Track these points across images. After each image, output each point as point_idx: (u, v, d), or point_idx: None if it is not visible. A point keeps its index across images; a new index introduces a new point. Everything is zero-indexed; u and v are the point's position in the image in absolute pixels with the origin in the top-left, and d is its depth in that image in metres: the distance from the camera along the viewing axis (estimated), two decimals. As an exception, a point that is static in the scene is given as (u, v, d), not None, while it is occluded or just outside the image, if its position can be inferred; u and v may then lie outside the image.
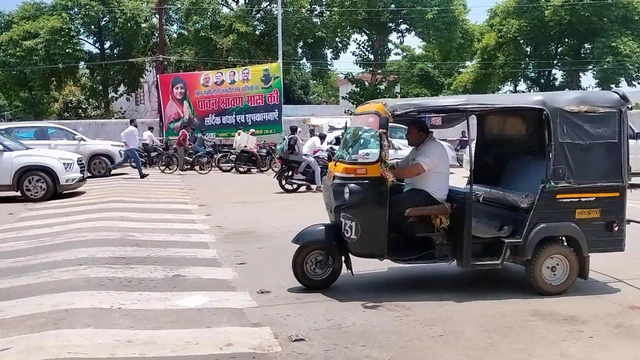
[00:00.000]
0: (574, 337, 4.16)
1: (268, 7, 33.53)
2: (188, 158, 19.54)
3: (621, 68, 32.03)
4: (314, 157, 14.30)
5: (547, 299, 5.03)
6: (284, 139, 14.31)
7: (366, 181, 4.95)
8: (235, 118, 23.81)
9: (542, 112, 5.09)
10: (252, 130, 21.21)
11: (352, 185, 4.93)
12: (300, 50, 35.54)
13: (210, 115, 24.06)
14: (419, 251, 5.18)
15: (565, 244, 5.24)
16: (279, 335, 4.15)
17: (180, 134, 19.96)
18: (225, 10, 33.19)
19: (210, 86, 24.21)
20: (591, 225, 5.13)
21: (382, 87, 35.45)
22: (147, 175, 16.82)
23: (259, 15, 33.66)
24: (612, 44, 31.39)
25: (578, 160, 5.09)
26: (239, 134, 19.94)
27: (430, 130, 5.74)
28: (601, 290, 5.34)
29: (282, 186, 13.88)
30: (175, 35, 35.51)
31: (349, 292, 5.28)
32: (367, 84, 35.69)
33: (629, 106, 5.24)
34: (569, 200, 5.09)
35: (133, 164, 17.51)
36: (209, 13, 31.64)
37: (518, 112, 5.59)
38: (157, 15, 29.83)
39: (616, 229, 5.18)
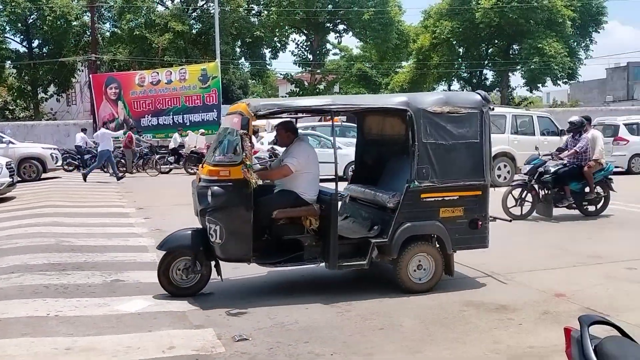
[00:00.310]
0: (504, 325, 4.41)
1: (205, 5, 33.11)
2: (136, 161, 19.14)
3: (547, 68, 33.69)
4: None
5: (480, 290, 5.29)
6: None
7: (230, 183, 4.79)
8: (173, 119, 23.37)
9: (406, 113, 5.14)
10: (202, 130, 20.93)
11: (215, 187, 4.77)
12: (238, 50, 35.29)
13: (146, 116, 23.48)
14: (289, 254, 5.07)
15: (431, 242, 5.27)
16: (222, 336, 4.16)
17: (126, 136, 19.41)
18: (160, 8, 32.53)
19: (146, 86, 23.63)
20: (455, 223, 5.21)
21: (322, 87, 35.77)
22: (123, 177, 16.27)
23: (195, 14, 33.16)
24: (538, 45, 32.96)
25: (441, 160, 5.17)
26: (181, 135, 19.64)
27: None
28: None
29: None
30: (108, 33, 34.37)
31: (291, 291, 5.36)
32: (306, 83, 35.92)
33: (491, 107, 5.45)
34: (433, 199, 5.16)
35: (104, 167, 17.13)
36: (143, 11, 30.91)
37: (394, 112, 5.51)
38: (89, 13, 28.82)
39: (480, 226, 5.28)
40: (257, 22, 33.97)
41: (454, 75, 41.65)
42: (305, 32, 36.04)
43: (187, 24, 30.46)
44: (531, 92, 40.37)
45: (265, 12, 34.06)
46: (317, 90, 34.43)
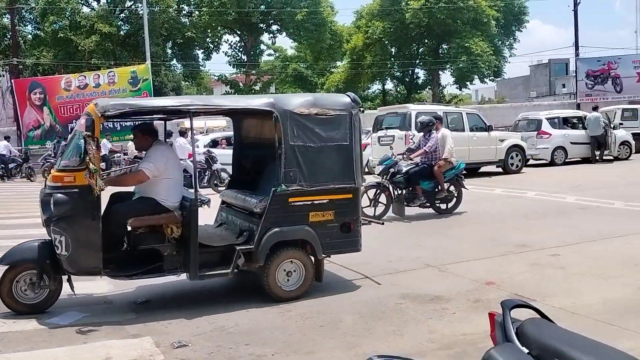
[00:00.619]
0: (439, 315, 4.57)
1: (132, 6, 32.23)
2: None
3: (474, 66, 35.01)
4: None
5: (416, 282, 5.44)
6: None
7: (75, 190, 4.48)
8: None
9: (272, 114, 4.97)
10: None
11: (58, 195, 4.45)
12: (169, 51, 34.61)
13: (74, 121, 22.45)
14: (149, 264, 4.80)
15: (300, 247, 5.09)
16: (161, 344, 4.09)
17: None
18: (85, 9, 31.42)
19: (72, 90, 22.76)
20: (326, 228, 5.06)
21: (257, 87, 35.62)
22: None
23: (123, 15, 32.23)
24: (466, 45, 34.21)
25: (310, 162, 5.00)
26: (110, 140, 18.99)
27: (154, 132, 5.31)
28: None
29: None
30: (30, 36, 32.85)
31: (232, 295, 5.34)
32: (241, 85, 35.67)
33: (361, 109, 5.42)
34: (301, 203, 4.99)
35: None
36: (67, 13, 29.72)
37: (262, 114, 5.30)
38: (9, 15, 27.40)
39: (351, 229, 5.18)
40: (188, 23, 33.44)
41: (388, 74, 42.54)
42: (239, 32, 35.80)
43: (114, 26, 29.59)
44: (460, 89, 41.85)
45: (197, 12, 33.58)
46: (253, 91, 34.29)
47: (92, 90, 22.78)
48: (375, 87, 47.11)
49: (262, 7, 33.54)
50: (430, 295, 5.04)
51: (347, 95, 5.47)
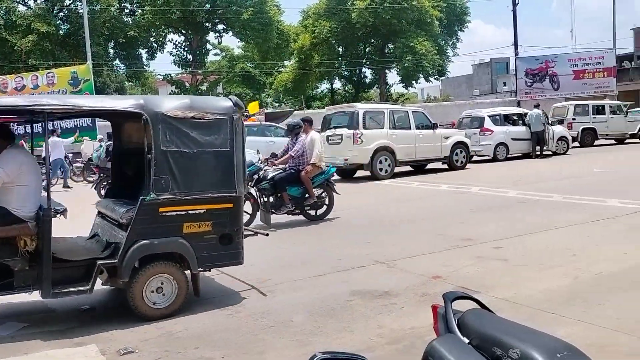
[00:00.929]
0: (388, 310, 4.64)
1: (72, 5, 31.18)
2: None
3: (419, 65, 35.75)
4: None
5: (366, 278, 5.51)
6: (101, 146, 13.53)
7: None
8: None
9: (141, 117, 4.57)
10: (100, 136, 19.73)
11: None
12: (112, 51, 33.67)
13: (11, 124, 21.65)
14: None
15: (173, 261, 4.70)
16: (107, 351, 3.99)
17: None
18: (21, 8, 30.14)
19: (9, 92, 21.77)
20: (202, 240, 4.71)
21: (204, 87, 35.13)
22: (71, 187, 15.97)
23: (62, 14, 31.12)
24: (411, 44, 34.89)
25: (184, 169, 4.64)
26: (83, 142, 18.63)
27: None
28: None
29: (100, 196, 13.11)
30: (-39, 35, 31.25)
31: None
32: (187, 84, 35.07)
33: (244, 113, 5.07)
34: (174, 213, 4.62)
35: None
36: (1, 11, 28.44)
37: (133, 116, 4.88)
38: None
39: (232, 241, 4.87)
40: (130, 22, 32.64)
41: (335, 73, 42.85)
42: (184, 32, 35.19)
43: (53, 25, 28.55)
44: (407, 88, 42.65)
45: (139, 11, 32.79)
46: (199, 91, 33.80)
47: (30, 91, 21.87)
48: (324, 86, 47.38)
49: (207, 5, 33.10)
50: (380, 291, 5.11)
51: (229, 98, 5.16)
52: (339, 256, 6.44)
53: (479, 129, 18.13)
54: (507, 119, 19.06)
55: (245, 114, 5.03)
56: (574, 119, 21.34)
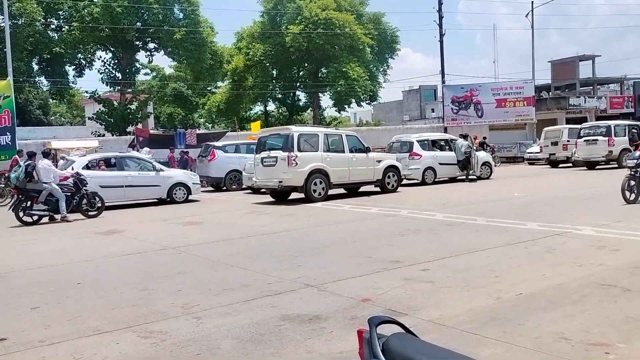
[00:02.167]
0: (317, 334, 4.60)
1: (-8, 17, 29.65)
2: None
3: (351, 90, 36.49)
4: (59, 185, 13.11)
5: (296, 302, 5.46)
6: (20, 166, 12.83)
7: None
8: None
9: None
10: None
11: None
12: (36, 67, 32.21)
13: None
14: None
15: None
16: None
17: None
18: None
19: None
20: None
21: (133, 106, 34.20)
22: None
23: (-20, 26, 29.50)
24: (343, 69, 35.61)
25: None
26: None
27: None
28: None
29: (19, 219, 12.41)
30: None
31: (100, 324, 4.99)
32: (115, 103, 34.03)
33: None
34: None
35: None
36: None
37: None
38: None
39: None
40: (56, 38, 31.40)
41: (269, 96, 42.97)
42: (113, 49, 34.23)
43: (-30, 37, 26.94)
44: (339, 112, 43.35)
45: (66, 27, 31.63)
46: (128, 110, 32.86)
47: (-58, 107, 20.53)
48: (258, 108, 47.34)
49: (138, 24, 32.41)
50: (310, 315, 5.08)
51: None
52: (268, 280, 6.36)
53: (408, 154, 18.67)
54: (434, 144, 19.75)
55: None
56: (568, 141, 23.36)
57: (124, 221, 12.89)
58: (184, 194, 17.03)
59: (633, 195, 11.53)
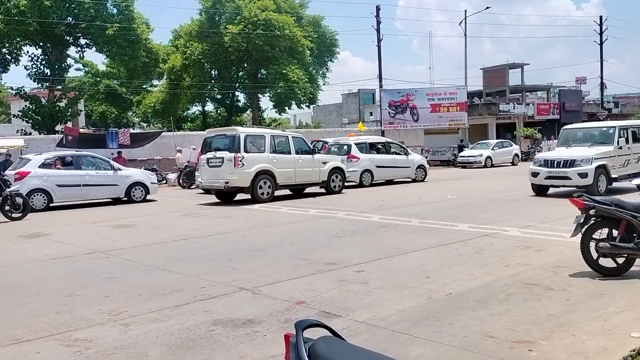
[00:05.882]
0: (250, 338, 4.54)
1: None
2: None
3: (291, 92, 36.49)
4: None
5: (229, 307, 5.37)
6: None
7: None
8: None
9: None
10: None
11: None
12: (-45, 61, 30.27)
13: None
14: None
15: None
16: None
17: None
18: None
19: None
20: None
21: (62, 104, 32.71)
22: None
23: None
24: (283, 71, 35.55)
25: None
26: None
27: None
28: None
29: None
30: None
31: (20, 333, 4.71)
32: (44, 100, 32.46)
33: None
34: None
35: None
36: None
37: None
38: None
39: None
40: (-21, 30, 29.57)
41: (207, 96, 42.31)
42: (41, 44, 32.65)
43: None
44: (279, 114, 43.22)
45: (-9, 19, 29.86)
46: (57, 108, 31.43)
47: None
48: (195, 108, 46.48)
49: (69, 18, 31.04)
50: (243, 319, 5.00)
51: None
52: (202, 284, 6.23)
53: (346, 156, 18.86)
54: (372, 147, 20.05)
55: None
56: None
57: (51, 224, 12.30)
58: (142, 193, 16.86)
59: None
